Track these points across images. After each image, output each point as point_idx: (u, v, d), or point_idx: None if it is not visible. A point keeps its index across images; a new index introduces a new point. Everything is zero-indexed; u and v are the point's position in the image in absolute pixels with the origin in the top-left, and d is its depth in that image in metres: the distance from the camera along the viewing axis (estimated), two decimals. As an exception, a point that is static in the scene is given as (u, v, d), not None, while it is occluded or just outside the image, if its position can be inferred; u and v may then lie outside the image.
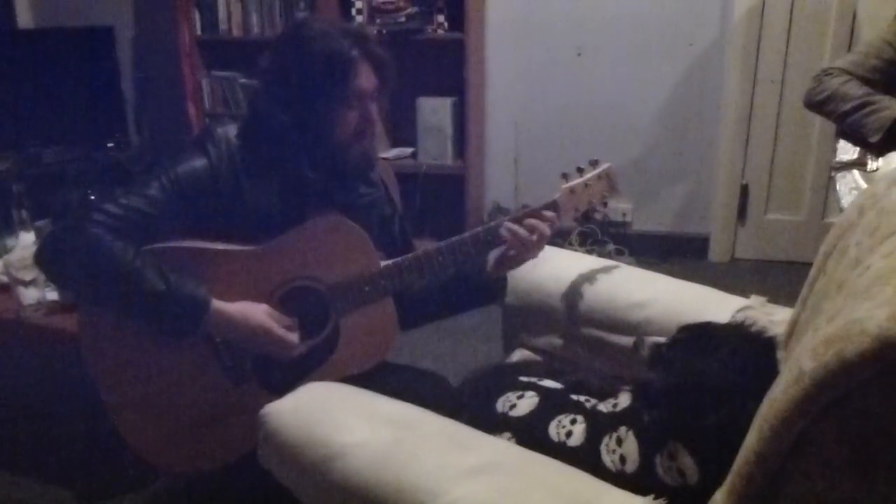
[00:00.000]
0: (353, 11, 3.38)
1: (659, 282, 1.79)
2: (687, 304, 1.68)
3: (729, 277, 3.43)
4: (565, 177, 1.60)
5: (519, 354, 1.83)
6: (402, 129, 3.57)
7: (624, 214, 3.59)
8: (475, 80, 3.39)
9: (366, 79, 1.47)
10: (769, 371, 1.26)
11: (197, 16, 3.51)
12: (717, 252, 3.54)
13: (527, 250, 1.53)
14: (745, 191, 3.45)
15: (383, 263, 1.52)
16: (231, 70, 3.59)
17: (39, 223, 2.48)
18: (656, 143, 3.49)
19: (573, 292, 1.76)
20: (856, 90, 2.08)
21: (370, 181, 1.67)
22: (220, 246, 1.46)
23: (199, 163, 1.45)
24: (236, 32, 3.49)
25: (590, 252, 3.49)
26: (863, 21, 3.07)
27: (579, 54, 3.43)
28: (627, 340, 1.68)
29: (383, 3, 3.35)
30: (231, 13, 3.47)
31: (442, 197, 3.54)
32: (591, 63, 3.43)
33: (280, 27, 3.42)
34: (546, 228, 1.52)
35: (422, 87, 3.43)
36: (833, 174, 2.17)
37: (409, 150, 3.56)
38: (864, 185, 2.06)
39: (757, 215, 3.48)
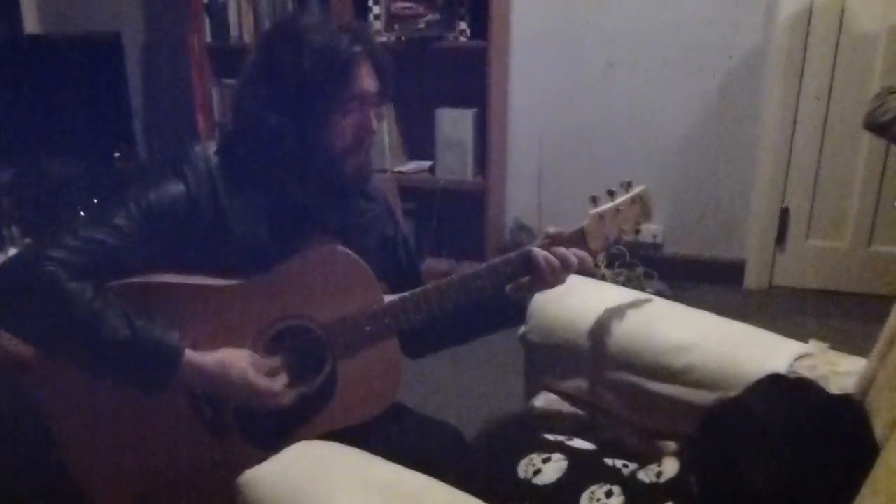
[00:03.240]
0: (371, 17, 3.20)
1: (701, 320, 1.58)
2: (736, 349, 1.48)
3: (766, 305, 3.21)
4: (594, 200, 1.42)
5: (543, 399, 1.63)
6: (420, 142, 3.38)
7: (655, 236, 3.37)
8: (498, 91, 3.19)
9: (367, 80, 1.31)
10: (859, 440, 1.06)
11: (207, 22, 3.35)
12: (753, 278, 3.31)
13: (553, 279, 1.36)
14: (785, 214, 3.22)
15: (388, 298, 1.33)
16: (242, 78, 3.43)
17: (29, 241, 2.33)
18: (691, 162, 3.27)
19: (603, 331, 1.56)
20: (924, 111, 1.87)
21: (369, 197, 1.49)
22: (197, 281, 1.27)
23: (174, 189, 1.27)
24: (248, 40, 3.32)
25: (617, 275, 3.28)
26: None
27: (610, 65, 3.23)
28: (667, 389, 1.49)
29: (402, 8, 3.17)
30: (242, 20, 3.30)
31: (461, 213, 3.35)
32: (623, 75, 3.23)
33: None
34: (573, 258, 1.35)
35: (441, 97, 3.25)
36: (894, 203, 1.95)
37: (426, 164, 3.37)
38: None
39: (797, 241, 3.24)
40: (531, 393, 1.71)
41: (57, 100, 3.43)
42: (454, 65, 3.25)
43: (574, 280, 1.44)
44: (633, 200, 1.43)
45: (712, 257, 3.35)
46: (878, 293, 3.14)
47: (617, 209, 1.42)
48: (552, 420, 1.46)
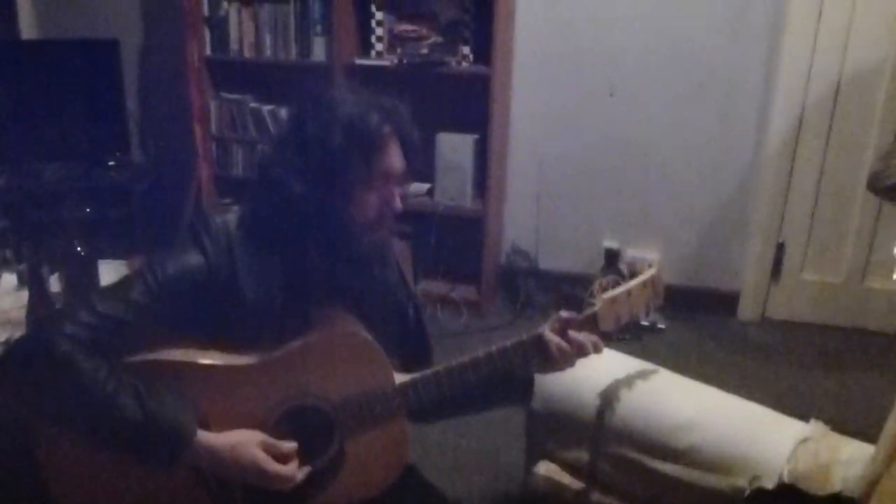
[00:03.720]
0: (373, 38, 3.17)
1: (705, 397, 1.59)
2: (739, 430, 1.49)
3: (759, 337, 3.23)
4: (604, 285, 1.43)
5: (544, 467, 1.65)
6: (420, 164, 3.36)
7: (650, 266, 3.37)
8: (500, 117, 3.18)
9: (395, 160, 1.31)
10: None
11: (207, 34, 3.31)
12: (747, 310, 3.33)
13: (564, 364, 1.36)
14: (780, 248, 3.24)
15: (398, 378, 1.34)
16: (241, 93, 3.39)
17: (20, 267, 2.29)
18: (688, 192, 3.27)
19: (607, 403, 1.57)
20: (930, 178, 1.88)
21: (383, 263, 1.49)
22: (211, 360, 1.28)
23: (193, 260, 1.27)
24: (248, 54, 3.28)
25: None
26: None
27: (611, 94, 3.22)
28: (668, 468, 1.50)
29: (405, 30, 3.14)
30: (243, 33, 3.26)
31: (458, 237, 3.35)
32: (624, 103, 3.21)
33: (294, 51, 3.22)
34: (587, 345, 1.35)
35: (443, 122, 3.23)
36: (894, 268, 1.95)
37: (425, 187, 3.35)
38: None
39: (792, 274, 3.26)
40: (531, 457, 1.72)
41: (53, 106, 3.40)
42: (457, 89, 3.23)
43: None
44: (644, 284, 1.44)
45: (707, 288, 3.37)
46: (871, 329, 3.18)
47: (629, 293, 1.42)
48: (554, 494, 1.47)
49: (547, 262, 3.48)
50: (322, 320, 1.34)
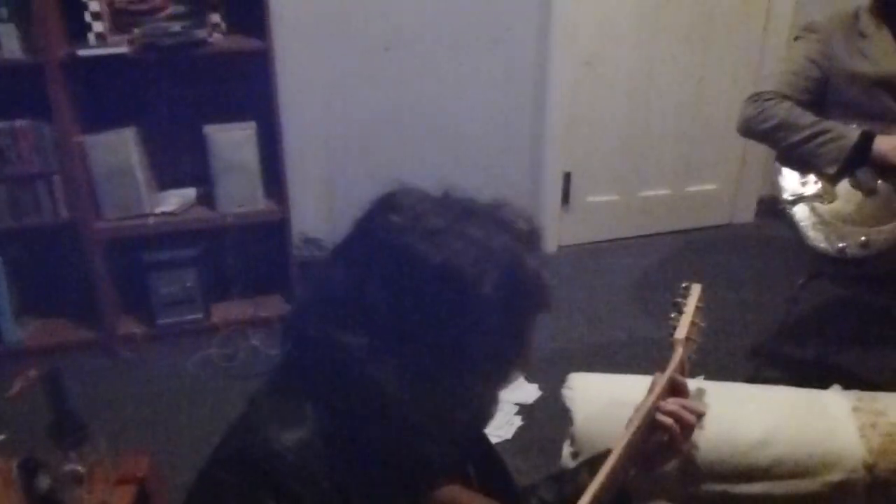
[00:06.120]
0: (88, 17, 2.36)
1: (768, 401, 1.51)
2: (806, 427, 1.44)
3: (557, 266, 3.31)
4: (672, 322, 1.24)
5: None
6: (180, 169, 2.71)
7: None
8: (272, 95, 2.64)
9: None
10: None
11: None
12: (544, 243, 3.37)
13: (683, 438, 1.10)
14: (567, 178, 3.30)
15: None
16: None
17: None
18: (477, 139, 3.13)
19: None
20: (805, 118, 1.96)
21: None
22: None
23: None
24: None
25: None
26: None
27: (387, 49, 2.88)
28: (756, 488, 1.41)
29: (130, 3, 2.40)
30: None
31: (254, 247, 2.81)
32: (402, 58, 2.90)
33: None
34: (698, 404, 1.15)
35: (206, 111, 2.60)
36: (786, 207, 2.03)
37: (192, 193, 2.71)
38: (828, 218, 1.96)
39: (579, 200, 3.36)
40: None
41: None
42: (217, 68, 2.61)
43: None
44: (698, 307, 1.28)
45: (507, 231, 3.32)
46: (650, 233, 3.46)
47: (693, 323, 1.25)
48: None
49: (347, 245, 3.12)
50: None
